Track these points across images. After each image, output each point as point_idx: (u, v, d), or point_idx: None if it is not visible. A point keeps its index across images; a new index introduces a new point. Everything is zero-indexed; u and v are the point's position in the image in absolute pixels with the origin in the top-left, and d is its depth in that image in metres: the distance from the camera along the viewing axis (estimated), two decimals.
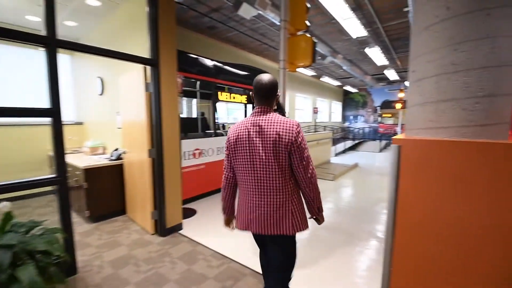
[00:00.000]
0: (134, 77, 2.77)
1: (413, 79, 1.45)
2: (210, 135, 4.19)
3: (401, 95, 14.44)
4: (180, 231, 2.93)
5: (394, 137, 1.32)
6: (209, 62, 4.11)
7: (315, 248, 2.59)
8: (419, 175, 1.23)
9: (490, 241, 1.07)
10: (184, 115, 5.21)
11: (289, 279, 1.42)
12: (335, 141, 9.99)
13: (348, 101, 19.29)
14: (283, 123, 1.24)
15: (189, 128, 4.48)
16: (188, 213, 3.45)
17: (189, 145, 3.71)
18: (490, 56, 1.16)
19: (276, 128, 1.22)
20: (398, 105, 14.29)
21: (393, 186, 1.29)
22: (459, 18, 1.19)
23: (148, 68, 2.63)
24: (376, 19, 5.75)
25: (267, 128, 1.24)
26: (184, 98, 4.90)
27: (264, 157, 1.24)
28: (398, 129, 14.76)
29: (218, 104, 5.85)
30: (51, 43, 1.86)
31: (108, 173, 3.21)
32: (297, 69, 3.11)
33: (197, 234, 2.86)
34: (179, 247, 2.58)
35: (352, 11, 4.70)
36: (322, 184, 5.05)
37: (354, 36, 6.16)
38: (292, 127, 1.23)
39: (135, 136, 2.94)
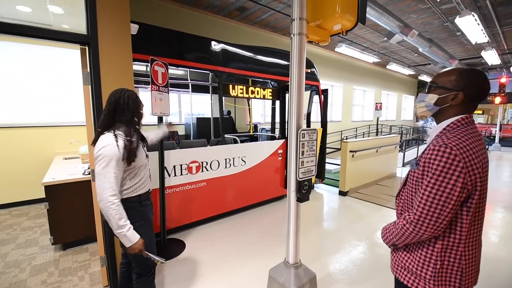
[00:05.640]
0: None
1: None
2: (215, 142, 3.17)
3: (503, 80, 10.67)
4: None
5: None
6: (214, 45, 3.08)
7: None
8: None
9: None
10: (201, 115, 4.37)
11: None
12: (404, 146, 7.84)
13: None
14: None
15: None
16: (171, 248, 2.54)
17: (180, 156, 2.78)
18: None
19: None
20: (497, 99, 10.62)
21: None
22: None
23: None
24: None
25: None
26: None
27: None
28: (496, 130, 11.10)
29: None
30: None
31: (78, 191, 2.54)
32: (330, 37, 1.80)
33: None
34: None
35: None
36: (380, 216, 3.50)
37: None
38: None
39: None
